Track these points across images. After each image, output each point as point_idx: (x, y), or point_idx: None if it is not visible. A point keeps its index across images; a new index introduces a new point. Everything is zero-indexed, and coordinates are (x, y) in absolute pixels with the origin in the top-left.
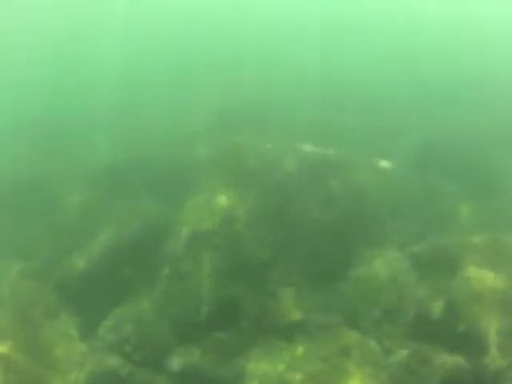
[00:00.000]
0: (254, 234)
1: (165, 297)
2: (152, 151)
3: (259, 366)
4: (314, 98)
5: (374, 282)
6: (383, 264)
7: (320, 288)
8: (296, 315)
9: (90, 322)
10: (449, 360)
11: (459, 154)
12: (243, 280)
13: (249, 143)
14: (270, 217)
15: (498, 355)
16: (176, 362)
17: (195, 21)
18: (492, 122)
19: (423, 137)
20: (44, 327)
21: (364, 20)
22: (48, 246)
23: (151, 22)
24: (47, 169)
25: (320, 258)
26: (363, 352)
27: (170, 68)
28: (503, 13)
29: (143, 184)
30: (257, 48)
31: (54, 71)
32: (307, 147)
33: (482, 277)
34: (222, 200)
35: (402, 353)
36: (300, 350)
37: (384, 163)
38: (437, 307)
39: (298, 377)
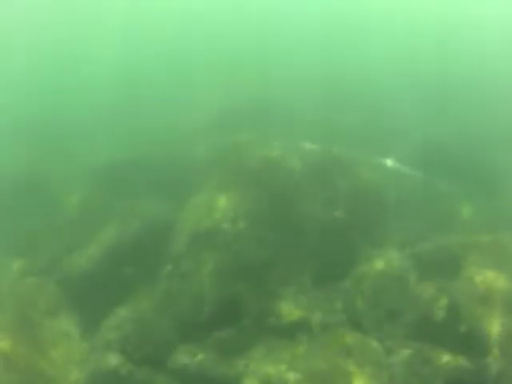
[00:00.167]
0: (255, 233)
1: (165, 296)
2: (152, 151)
3: (260, 365)
4: (315, 97)
5: (376, 281)
6: (385, 264)
7: (321, 287)
8: (297, 314)
9: (90, 321)
10: (450, 360)
11: (460, 154)
12: (244, 279)
13: (249, 142)
14: (271, 216)
15: (500, 355)
16: (177, 361)
17: (195, 20)
18: (493, 122)
19: (424, 136)
20: (44, 326)
21: (365, 19)
22: (49, 245)
23: (151, 21)
24: (47, 169)
25: (321, 257)
26: (364, 352)
27: (170, 67)
28: (503, 13)
29: (144, 183)
30: (257, 47)
31: (54, 71)
32: (308, 146)
33: (484, 277)
34: (223, 199)
35: (404, 353)
36: (301, 349)
37: (385, 162)
38: (439, 307)
39: (298, 376)
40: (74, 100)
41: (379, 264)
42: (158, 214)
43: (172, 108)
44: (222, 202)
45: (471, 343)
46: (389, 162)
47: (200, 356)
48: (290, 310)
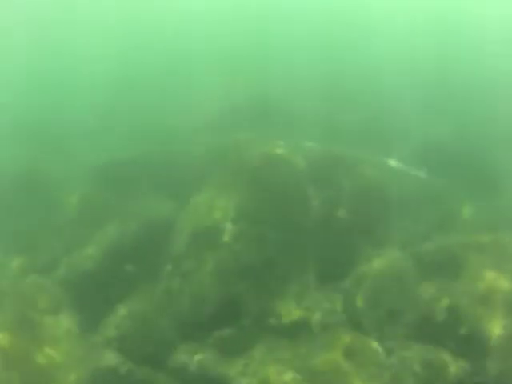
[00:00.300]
0: (255, 233)
1: (166, 295)
2: (152, 150)
3: (260, 365)
4: (315, 96)
5: (376, 281)
6: (385, 263)
7: (322, 287)
8: (297, 314)
9: (90, 320)
10: (451, 361)
11: (460, 154)
12: (244, 279)
13: (250, 141)
14: (272, 215)
15: (501, 356)
16: (176, 361)
17: (195, 20)
18: (493, 122)
19: (424, 136)
20: (44, 324)
21: (365, 17)
22: (49, 244)
23: (151, 21)
24: (47, 168)
25: (322, 257)
26: (365, 352)
27: (170, 67)
28: (503, 12)
29: (144, 183)
30: (257, 46)
31: (55, 70)
32: (309, 145)
33: (485, 277)
34: (223, 198)
35: (404, 354)
36: (301, 349)
37: (386, 161)
38: (439, 307)
39: (298, 376)
40: (74, 99)
41: (379, 264)
42: (158, 213)
43: (172, 107)
44: (223, 201)
45: (472, 344)
46: (390, 162)
47: (200, 356)
48: (290, 309)
